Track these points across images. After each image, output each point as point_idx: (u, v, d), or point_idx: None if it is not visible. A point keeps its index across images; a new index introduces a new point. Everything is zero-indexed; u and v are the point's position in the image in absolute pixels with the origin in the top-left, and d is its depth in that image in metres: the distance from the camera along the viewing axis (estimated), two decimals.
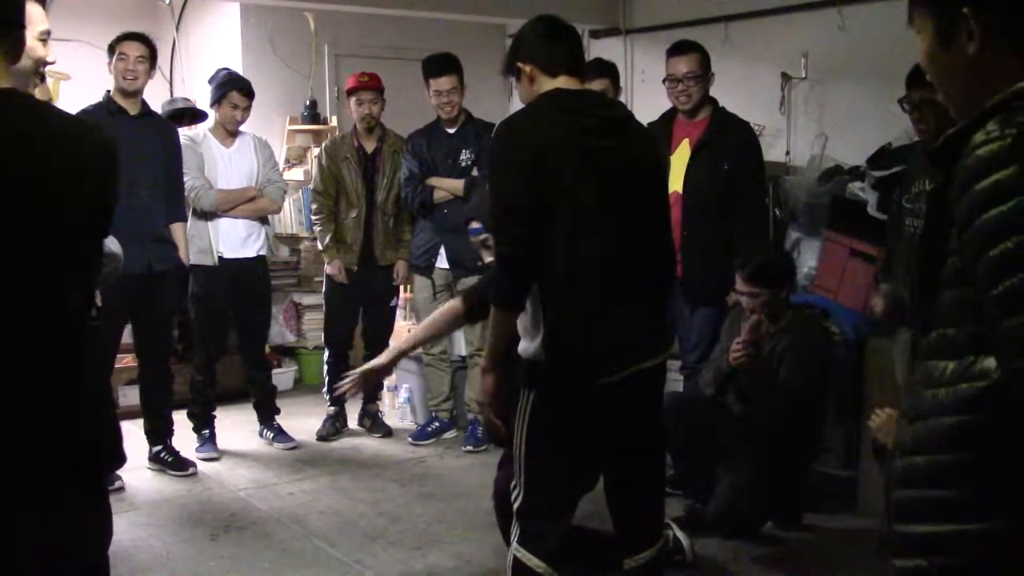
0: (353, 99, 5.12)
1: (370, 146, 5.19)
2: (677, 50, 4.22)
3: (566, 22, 2.68)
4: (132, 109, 4.43)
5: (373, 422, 5.44)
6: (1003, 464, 1.26)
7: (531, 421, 2.53)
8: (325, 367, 5.45)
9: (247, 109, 4.91)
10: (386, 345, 5.53)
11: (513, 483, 2.61)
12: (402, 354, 3.55)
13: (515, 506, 2.60)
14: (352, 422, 5.48)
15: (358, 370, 3.37)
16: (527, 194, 2.42)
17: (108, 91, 4.48)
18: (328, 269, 5.27)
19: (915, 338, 1.45)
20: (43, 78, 2.62)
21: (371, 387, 5.50)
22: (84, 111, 4.40)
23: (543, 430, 2.53)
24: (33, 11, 2.22)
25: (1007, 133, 1.24)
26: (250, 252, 4.96)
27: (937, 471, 1.31)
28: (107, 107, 4.41)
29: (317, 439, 5.29)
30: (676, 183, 4.10)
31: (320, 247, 5.33)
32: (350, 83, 5.18)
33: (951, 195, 1.31)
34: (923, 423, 1.35)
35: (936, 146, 1.39)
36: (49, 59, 2.29)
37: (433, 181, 4.96)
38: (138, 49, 4.38)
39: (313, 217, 5.31)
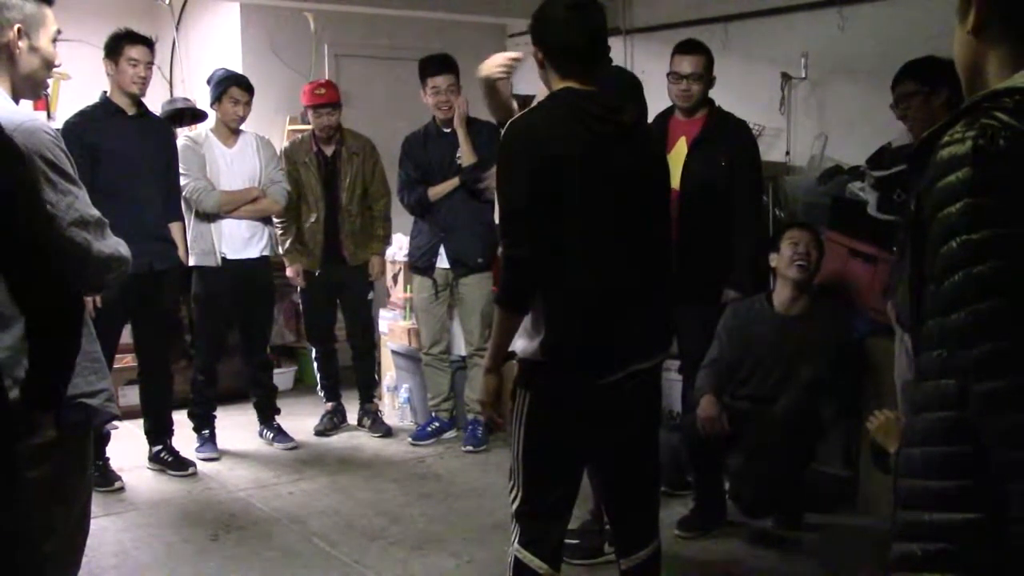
0: (311, 113, 5.14)
1: (329, 149, 5.20)
2: (684, 48, 4.23)
3: (595, 7, 2.53)
4: (131, 110, 4.44)
5: (373, 421, 5.44)
6: (983, 458, 1.29)
7: (528, 421, 2.53)
8: (315, 364, 5.48)
9: (248, 104, 4.91)
10: (370, 340, 5.54)
11: (511, 484, 2.61)
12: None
13: (513, 507, 2.59)
14: (352, 419, 5.50)
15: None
16: (535, 196, 2.41)
17: (104, 92, 4.48)
18: (288, 272, 5.29)
19: (912, 333, 1.47)
20: None
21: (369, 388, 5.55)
22: (82, 112, 4.41)
23: (540, 430, 2.53)
24: (47, 13, 2.23)
25: (967, 136, 1.28)
26: (253, 253, 4.96)
27: (926, 462, 1.37)
28: (105, 108, 4.41)
29: (315, 434, 5.31)
30: (673, 180, 4.07)
31: (281, 251, 5.29)
32: (307, 100, 5.15)
33: (922, 193, 1.36)
34: (918, 416, 1.40)
35: (915, 146, 1.43)
36: (56, 61, 2.29)
37: (432, 193, 4.97)
38: (148, 55, 4.41)
39: (275, 219, 5.22)
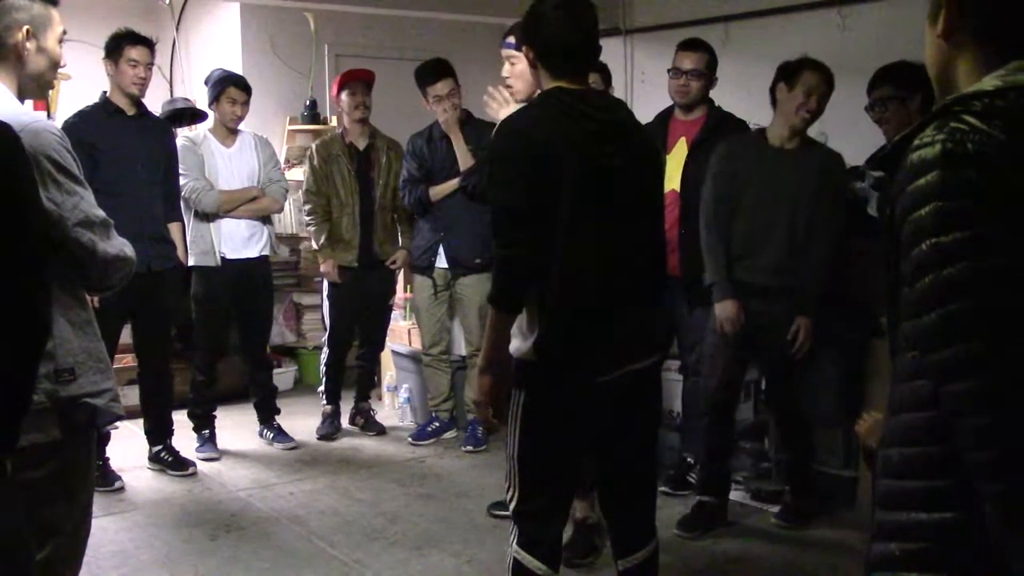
0: (345, 92, 5.12)
1: (361, 143, 5.19)
2: (687, 45, 4.27)
3: (587, 6, 2.53)
4: (130, 110, 4.44)
5: (366, 420, 5.45)
6: (959, 458, 1.30)
7: (523, 421, 2.52)
8: (323, 368, 5.47)
9: (245, 104, 4.91)
10: (381, 344, 5.54)
11: (507, 484, 2.60)
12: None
13: (511, 507, 2.59)
14: (343, 419, 5.49)
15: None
16: (527, 196, 2.41)
17: (104, 92, 4.48)
18: (323, 268, 5.27)
19: (890, 334, 1.49)
20: None
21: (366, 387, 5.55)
22: (81, 112, 4.41)
23: (536, 430, 2.52)
24: (53, 13, 2.23)
25: (937, 139, 1.29)
26: (253, 252, 4.96)
27: (903, 462, 1.39)
28: (105, 108, 4.41)
29: (318, 438, 5.30)
30: (673, 182, 4.10)
31: (316, 246, 5.31)
32: (342, 77, 5.16)
33: (894, 196, 1.37)
34: (895, 417, 1.42)
35: (885, 150, 1.44)
36: (62, 62, 2.29)
37: (433, 193, 4.97)
38: (148, 56, 4.41)
39: (306, 218, 5.27)
